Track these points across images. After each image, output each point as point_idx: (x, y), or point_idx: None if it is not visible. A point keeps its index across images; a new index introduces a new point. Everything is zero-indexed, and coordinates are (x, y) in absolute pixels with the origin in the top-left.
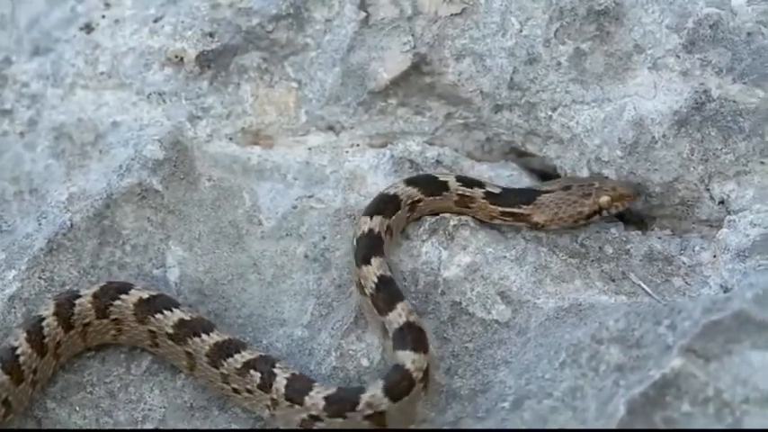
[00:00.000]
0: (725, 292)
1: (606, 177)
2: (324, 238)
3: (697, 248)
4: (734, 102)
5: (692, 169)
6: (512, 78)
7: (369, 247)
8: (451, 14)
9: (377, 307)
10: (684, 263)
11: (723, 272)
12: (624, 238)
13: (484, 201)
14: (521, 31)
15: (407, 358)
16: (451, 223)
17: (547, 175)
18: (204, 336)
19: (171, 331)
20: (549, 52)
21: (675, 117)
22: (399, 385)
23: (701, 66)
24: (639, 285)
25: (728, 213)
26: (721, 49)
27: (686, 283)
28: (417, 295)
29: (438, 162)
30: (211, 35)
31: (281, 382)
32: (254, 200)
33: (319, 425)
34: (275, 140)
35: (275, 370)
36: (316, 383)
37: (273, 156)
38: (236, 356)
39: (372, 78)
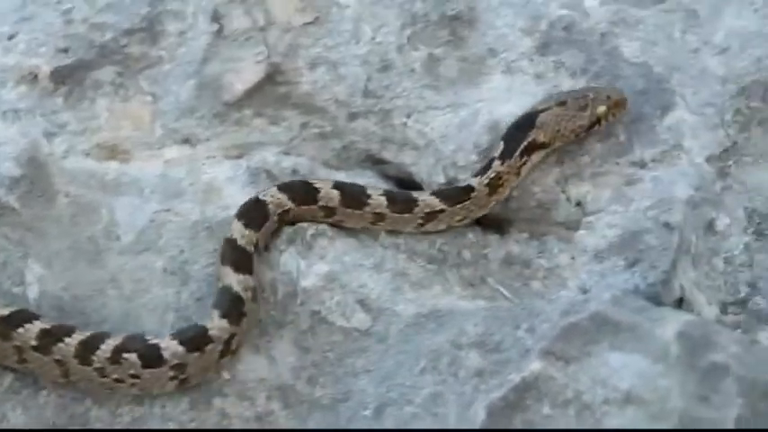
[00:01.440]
0: (583, 293)
1: (597, 87)
2: (182, 251)
3: (555, 251)
4: None
5: (548, 172)
6: (366, 86)
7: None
8: (305, 23)
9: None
10: (542, 265)
11: (581, 274)
12: (482, 243)
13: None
14: (374, 38)
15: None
16: (309, 232)
17: (403, 181)
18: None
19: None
20: (402, 59)
21: None
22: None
23: (555, 68)
24: (498, 289)
25: (585, 215)
26: (574, 51)
27: (544, 285)
28: (276, 306)
29: (294, 172)
30: (65, 51)
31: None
32: (112, 215)
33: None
34: (132, 155)
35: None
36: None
37: (130, 170)
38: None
39: (227, 90)
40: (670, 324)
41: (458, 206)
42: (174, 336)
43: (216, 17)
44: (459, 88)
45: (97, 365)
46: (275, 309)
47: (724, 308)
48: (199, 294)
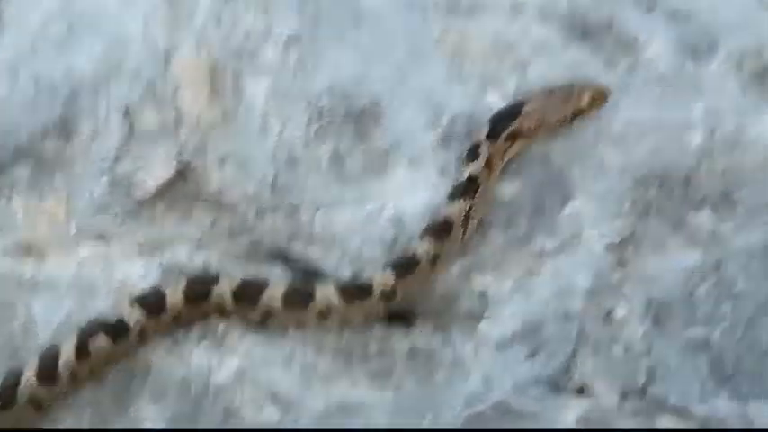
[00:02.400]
0: (486, 383)
1: (581, 81)
2: None
3: (459, 342)
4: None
5: (451, 264)
6: (274, 182)
7: None
8: (214, 120)
9: None
10: (447, 357)
11: (484, 364)
12: (387, 336)
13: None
14: (281, 133)
15: None
16: (220, 328)
17: (312, 275)
18: None
19: None
20: (309, 154)
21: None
22: None
23: (458, 161)
24: (403, 381)
25: (488, 306)
26: None
27: (449, 376)
28: (189, 402)
29: (205, 267)
30: None
31: None
32: (29, 312)
33: None
34: (47, 253)
35: None
36: None
37: (46, 268)
38: None
39: (139, 187)
40: (571, 411)
41: (476, 197)
42: None
43: (127, 116)
44: (365, 182)
45: None
46: (188, 405)
47: (624, 395)
48: None
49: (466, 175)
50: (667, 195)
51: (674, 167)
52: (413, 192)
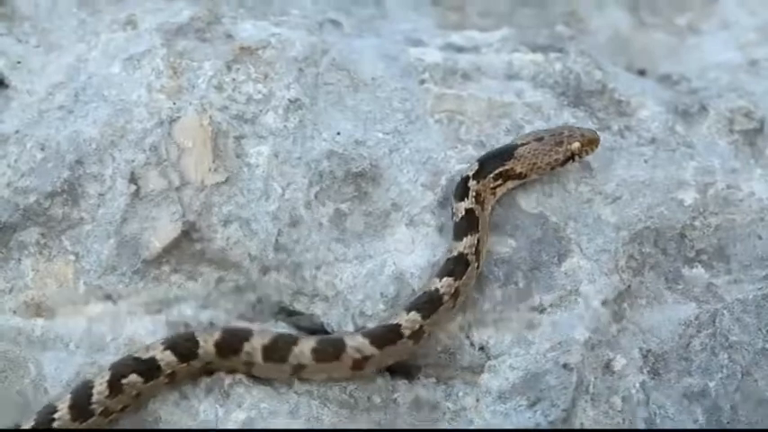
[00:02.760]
0: None
1: (572, 126)
2: None
3: (461, 394)
4: (488, 252)
5: (452, 319)
6: (277, 240)
7: None
8: (217, 183)
9: None
10: (449, 408)
11: (486, 414)
12: (391, 387)
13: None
14: (283, 195)
15: None
16: (227, 381)
17: (316, 332)
18: None
19: None
20: (310, 214)
21: (433, 269)
22: None
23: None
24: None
25: (489, 359)
26: None
27: (452, 426)
28: None
29: (212, 325)
30: None
31: None
32: (40, 369)
33: None
34: (57, 311)
35: None
36: None
37: (56, 326)
38: None
39: (145, 247)
40: None
41: (480, 231)
42: None
43: (133, 179)
44: (366, 241)
45: None
46: None
47: None
48: None
49: (462, 211)
50: (662, 251)
51: (669, 224)
52: (413, 250)
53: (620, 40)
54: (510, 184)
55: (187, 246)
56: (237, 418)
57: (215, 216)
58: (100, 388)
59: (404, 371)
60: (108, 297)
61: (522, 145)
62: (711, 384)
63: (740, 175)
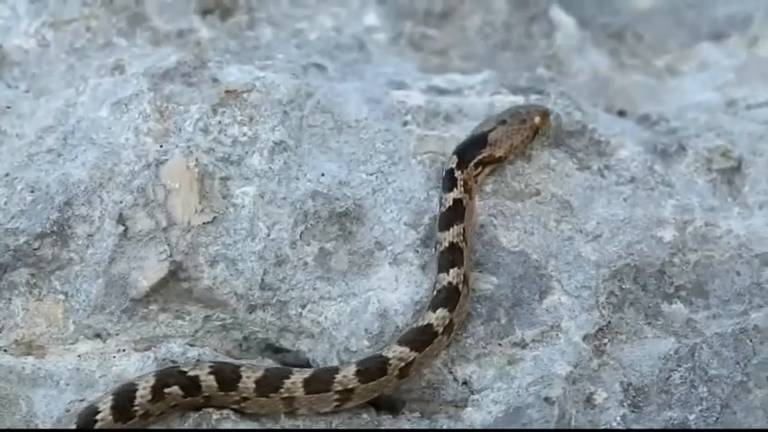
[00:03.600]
0: None
1: (521, 105)
2: None
3: (444, 428)
4: (472, 290)
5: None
6: (263, 280)
7: None
8: (204, 223)
9: None
10: None
11: None
12: (376, 422)
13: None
14: (269, 235)
15: None
16: (214, 417)
17: (302, 368)
18: None
19: None
20: (295, 253)
21: (416, 307)
22: None
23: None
24: None
25: (472, 393)
26: None
27: None
28: None
29: (199, 362)
30: None
31: None
32: (30, 406)
33: None
34: (47, 350)
35: None
36: None
37: (46, 364)
38: None
39: (134, 287)
40: None
41: (465, 221)
42: None
43: (121, 220)
44: (350, 279)
45: None
46: None
47: None
48: None
49: (450, 201)
50: (642, 287)
51: (648, 261)
52: (396, 287)
53: (599, 81)
54: (487, 170)
55: (174, 285)
56: None
57: (202, 256)
58: (144, 392)
59: (388, 406)
60: (97, 335)
61: (491, 131)
62: (691, 417)
63: (718, 212)
